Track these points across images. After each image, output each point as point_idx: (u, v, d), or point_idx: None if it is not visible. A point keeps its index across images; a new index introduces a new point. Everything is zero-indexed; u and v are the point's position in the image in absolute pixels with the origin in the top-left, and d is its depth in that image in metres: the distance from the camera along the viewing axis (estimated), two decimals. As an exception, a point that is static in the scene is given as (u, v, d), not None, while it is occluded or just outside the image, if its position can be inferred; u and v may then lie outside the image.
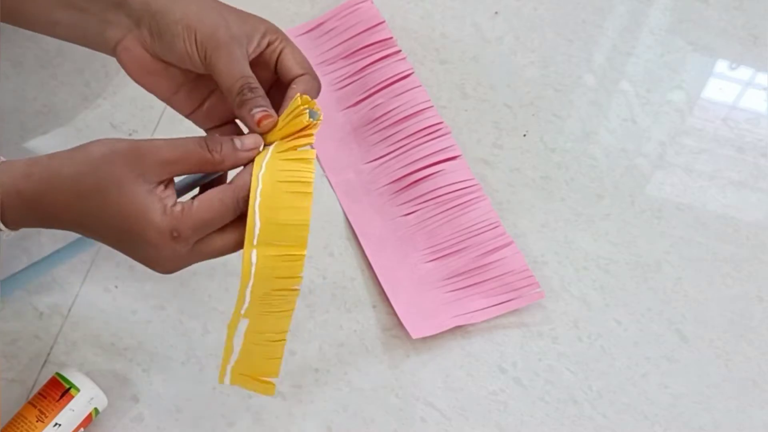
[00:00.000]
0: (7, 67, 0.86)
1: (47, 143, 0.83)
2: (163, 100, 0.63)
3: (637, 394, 0.77)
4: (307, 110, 0.56)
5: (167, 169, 0.54)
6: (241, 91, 0.57)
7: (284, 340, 0.60)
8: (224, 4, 0.61)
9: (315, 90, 0.61)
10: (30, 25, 0.63)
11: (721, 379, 0.78)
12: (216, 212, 0.54)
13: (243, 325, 0.58)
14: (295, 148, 0.56)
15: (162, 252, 0.55)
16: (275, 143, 0.57)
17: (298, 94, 0.57)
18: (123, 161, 0.53)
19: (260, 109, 0.57)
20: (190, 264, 0.57)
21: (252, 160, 0.56)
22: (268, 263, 0.55)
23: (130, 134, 0.84)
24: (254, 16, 0.61)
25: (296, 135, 0.57)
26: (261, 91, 0.58)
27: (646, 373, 0.78)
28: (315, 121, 0.56)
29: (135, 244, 0.55)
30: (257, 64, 0.61)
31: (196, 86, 0.63)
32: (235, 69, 0.58)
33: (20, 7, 0.61)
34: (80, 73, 0.87)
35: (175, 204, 0.54)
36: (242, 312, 0.57)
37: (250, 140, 0.56)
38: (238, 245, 0.56)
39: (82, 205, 0.54)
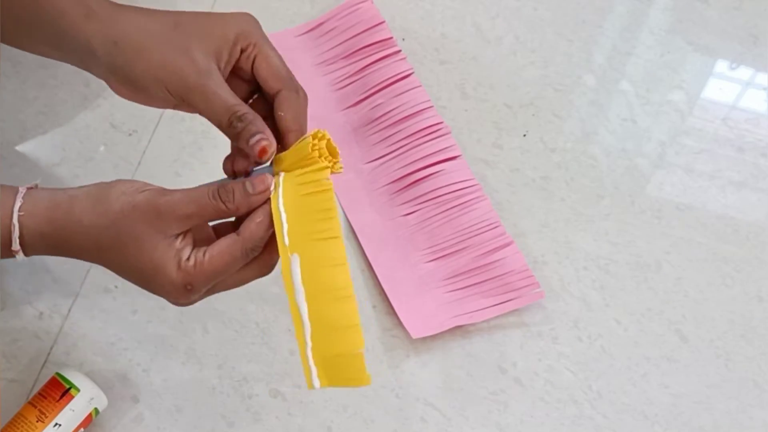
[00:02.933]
0: (7, 67, 0.86)
1: (47, 143, 0.83)
2: (169, 108, 0.63)
3: (637, 394, 0.77)
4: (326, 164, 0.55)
5: (184, 223, 0.55)
6: (230, 125, 0.57)
7: (351, 295, 0.55)
8: (186, 24, 0.59)
9: (301, 106, 0.60)
10: (29, 51, 0.64)
11: (721, 379, 0.78)
12: (226, 265, 0.56)
13: (302, 297, 0.55)
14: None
15: (178, 300, 0.58)
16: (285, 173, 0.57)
17: (309, 143, 0.55)
18: (142, 218, 0.55)
19: (256, 138, 0.56)
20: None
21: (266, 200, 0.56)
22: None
23: (130, 134, 0.84)
24: (221, 19, 0.59)
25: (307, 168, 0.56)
26: (250, 115, 0.57)
27: (646, 373, 0.78)
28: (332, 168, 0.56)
29: (152, 290, 0.58)
30: (234, 78, 0.60)
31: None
32: (216, 105, 0.57)
33: (15, 35, 0.62)
34: (80, 73, 0.85)
35: (189, 257, 0.55)
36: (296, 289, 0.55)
37: (260, 183, 0.56)
38: (250, 280, 0.58)
39: (103, 255, 0.57)
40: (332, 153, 0.56)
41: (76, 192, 0.57)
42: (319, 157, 0.55)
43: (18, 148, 0.83)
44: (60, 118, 0.85)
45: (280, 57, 0.60)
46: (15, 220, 0.56)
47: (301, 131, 0.59)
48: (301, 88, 0.60)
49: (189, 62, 0.57)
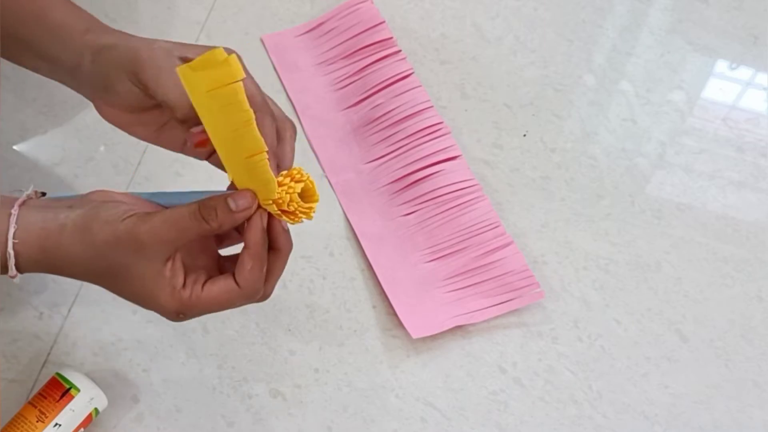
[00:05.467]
0: (7, 67, 0.86)
1: (47, 143, 0.83)
2: (150, 142, 0.63)
3: (637, 394, 0.77)
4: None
5: (168, 247, 0.55)
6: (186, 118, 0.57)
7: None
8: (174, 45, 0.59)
9: (277, 131, 0.59)
10: (22, 65, 0.64)
11: (721, 379, 0.78)
12: (221, 306, 0.57)
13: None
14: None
15: (170, 320, 0.58)
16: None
17: (284, 172, 0.55)
18: (125, 248, 0.55)
19: (198, 128, 0.56)
20: None
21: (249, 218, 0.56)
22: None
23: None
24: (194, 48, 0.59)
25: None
26: None
27: (646, 373, 0.78)
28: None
29: (149, 309, 0.58)
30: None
31: (172, 126, 0.62)
32: (169, 84, 0.56)
33: (8, 49, 0.63)
34: (80, 73, 0.87)
35: (183, 286, 0.56)
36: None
37: (242, 199, 0.55)
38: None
39: (97, 282, 0.58)
40: (306, 198, 0.55)
41: (65, 219, 0.56)
42: (281, 203, 0.55)
43: (18, 148, 0.83)
44: (60, 118, 0.85)
45: (254, 83, 0.59)
46: (10, 249, 0.56)
47: (284, 159, 0.59)
48: (289, 119, 0.60)
49: (145, 44, 0.57)
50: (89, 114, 0.84)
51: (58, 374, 0.69)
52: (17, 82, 0.86)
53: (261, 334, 0.77)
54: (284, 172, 0.55)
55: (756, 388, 0.78)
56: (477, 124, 0.89)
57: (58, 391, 0.68)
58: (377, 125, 0.86)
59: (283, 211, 0.55)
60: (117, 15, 0.89)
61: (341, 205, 0.83)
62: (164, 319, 0.76)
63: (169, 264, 0.55)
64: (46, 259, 0.57)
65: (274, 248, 0.57)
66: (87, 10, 0.63)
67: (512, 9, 0.95)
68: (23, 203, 0.58)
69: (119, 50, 0.58)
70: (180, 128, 0.61)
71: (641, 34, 0.96)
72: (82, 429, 0.69)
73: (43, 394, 0.69)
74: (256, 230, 0.55)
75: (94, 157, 0.83)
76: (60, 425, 0.68)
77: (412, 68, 0.88)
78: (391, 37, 0.89)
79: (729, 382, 0.78)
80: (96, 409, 0.70)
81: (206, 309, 0.57)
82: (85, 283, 0.76)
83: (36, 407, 0.68)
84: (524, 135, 0.89)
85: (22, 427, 0.67)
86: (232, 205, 0.55)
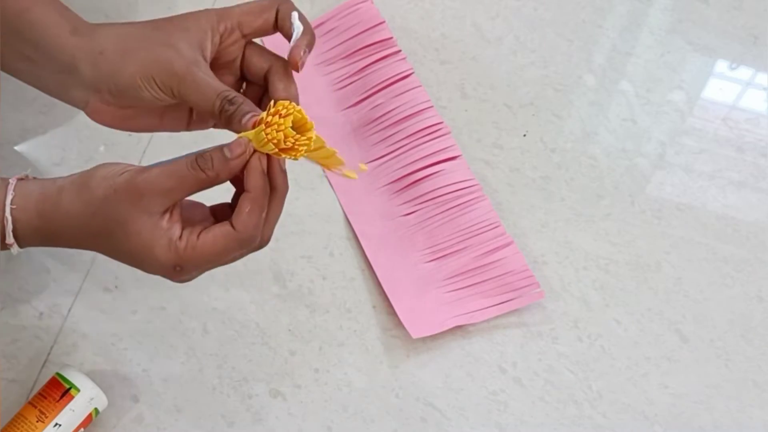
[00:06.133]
0: (7, 67, 0.86)
1: (47, 143, 0.83)
2: (152, 131, 0.64)
3: (637, 394, 0.77)
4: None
5: (167, 198, 0.55)
6: (221, 110, 0.57)
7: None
8: (164, 25, 0.60)
9: (286, 75, 0.60)
10: (2, 68, 0.63)
11: (721, 379, 0.78)
12: (218, 254, 0.56)
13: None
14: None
15: (169, 278, 0.57)
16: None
17: (269, 105, 0.55)
18: (124, 200, 0.54)
19: (248, 116, 0.56)
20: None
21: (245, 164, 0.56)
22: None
23: (129, 134, 0.84)
24: (192, 16, 0.60)
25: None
26: (240, 98, 0.57)
27: (646, 373, 0.78)
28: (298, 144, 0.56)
29: (146, 271, 0.58)
30: (220, 68, 0.61)
31: (175, 105, 0.62)
32: (206, 91, 0.57)
33: None
34: (80, 73, 0.87)
35: (180, 237, 0.55)
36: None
37: (237, 147, 0.55)
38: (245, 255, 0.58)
39: (94, 242, 0.57)
40: (300, 130, 0.55)
41: (63, 182, 0.57)
42: (281, 144, 0.55)
43: (18, 148, 0.83)
44: (60, 118, 0.85)
45: (253, 2, 0.61)
46: (8, 214, 0.56)
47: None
48: (285, 60, 0.61)
49: (176, 54, 0.58)
50: (89, 114, 0.85)
51: (58, 374, 0.69)
52: (17, 82, 0.85)
53: (261, 334, 0.77)
54: (271, 110, 0.55)
55: (756, 388, 0.78)
56: (477, 124, 0.89)
57: (58, 391, 0.68)
58: (377, 125, 0.86)
59: (282, 149, 0.55)
60: (116, 15, 0.89)
61: (341, 205, 0.83)
62: (164, 319, 0.76)
63: (167, 216, 0.55)
64: (44, 225, 0.56)
65: (272, 188, 0.57)
66: (84, 10, 0.62)
67: (512, 9, 0.95)
68: (21, 179, 0.58)
69: (141, 60, 0.58)
70: (183, 107, 0.62)
71: (641, 34, 0.96)
72: (82, 429, 0.69)
73: (43, 394, 0.69)
74: (255, 173, 0.55)
75: (94, 157, 0.83)
76: (60, 425, 0.68)
77: (412, 68, 0.88)
78: (391, 37, 0.89)
79: (729, 382, 0.78)
80: (96, 409, 0.70)
81: (203, 259, 0.56)
82: (85, 283, 0.77)
83: (36, 407, 0.68)
84: (524, 135, 0.89)
85: (22, 427, 0.67)
86: (227, 152, 0.55)
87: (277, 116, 0.55)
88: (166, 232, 0.55)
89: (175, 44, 0.58)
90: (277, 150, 0.55)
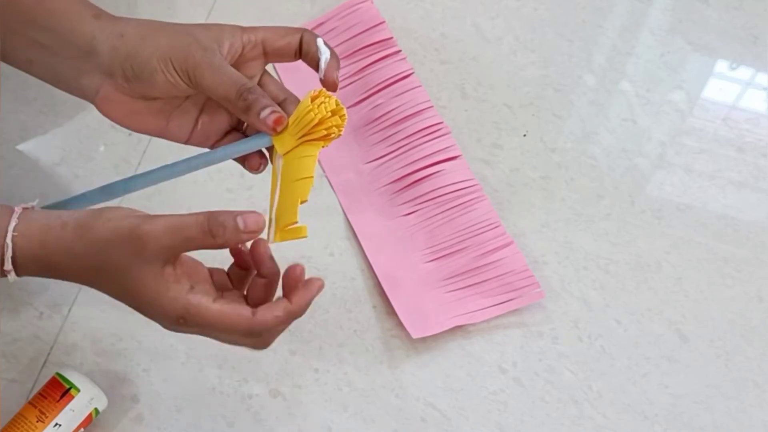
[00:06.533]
0: (7, 67, 0.86)
1: (47, 143, 0.83)
2: (157, 135, 0.63)
3: (637, 394, 0.77)
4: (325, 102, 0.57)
5: (169, 253, 0.54)
6: (240, 96, 0.57)
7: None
8: (189, 25, 0.61)
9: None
10: (8, 60, 0.63)
11: (721, 379, 0.78)
12: (226, 328, 0.56)
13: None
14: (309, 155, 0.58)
15: (167, 326, 0.57)
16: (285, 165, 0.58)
17: (309, 92, 0.57)
18: (125, 248, 0.54)
19: (269, 110, 0.57)
20: None
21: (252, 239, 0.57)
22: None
23: (129, 134, 0.84)
24: (218, 24, 0.61)
25: (311, 133, 0.57)
26: (259, 89, 0.58)
27: (646, 373, 0.78)
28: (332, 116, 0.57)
29: (145, 315, 0.57)
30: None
31: (184, 110, 0.62)
32: (224, 77, 0.57)
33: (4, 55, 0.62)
34: (80, 73, 0.87)
35: (191, 291, 0.55)
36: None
37: (252, 221, 0.55)
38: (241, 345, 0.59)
39: (94, 281, 0.57)
40: (337, 112, 0.57)
41: (68, 218, 0.56)
42: (322, 124, 0.57)
43: (18, 148, 0.83)
44: (60, 118, 0.85)
45: (280, 26, 0.62)
46: (8, 240, 0.55)
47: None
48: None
49: (194, 41, 0.58)
50: (89, 114, 0.85)
51: (58, 374, 0.69)
52: (17, 82, 0.85)
53: (261, 334, 0.77)
54: (312, 94, 0.57)
55: (756, 388, 0.78)
56: (477, 124, 0.88)
57: (58, 391, 0.68)
58: (377, 125, 0.86)
59: (315, 137, 0.57)
60: (116, 15, 0.89)
61: (341, 205, 0.83)
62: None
63: (169, 268, 0.55)
64: (45, 256, 0.56)
65: (296, 307, 0.58)
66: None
67: (512, 9, 0.95)
68: (27, 208, 0.57)
69: (160, 44, 0.58)
70: (191, 114, 0.62)
71: (641, 34, 0.96)
72: (82, 429, 0.69)
73: (43, 394, 0.69)
74: (307, 296, 0.59)
75: (94, 157, 0.83)
76: (60, 425, 0.68)
77: (412, 68, 0.88)
78: (391, 37, 0.89)
79: (729, 382, 0.78)
80: (96, 409, 0.70)
81: (209, 325, 0.55)
82: (85, 283, 0.77)
83: (36, 407, 0.68)
84: (524, 135, 0.89)
85: (22, 427, 0.67)
86: (241, 225, 0.54)
87: (318, 99, 0.57)
88: (172, 285, 0.55)
89: (195, 35, 0.59)
90: (312, 138, 0.57)
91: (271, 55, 0.61)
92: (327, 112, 0.56)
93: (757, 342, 0.80)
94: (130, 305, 0.57)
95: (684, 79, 0.93)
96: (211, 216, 0.54)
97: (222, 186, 0.82)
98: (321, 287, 0.58)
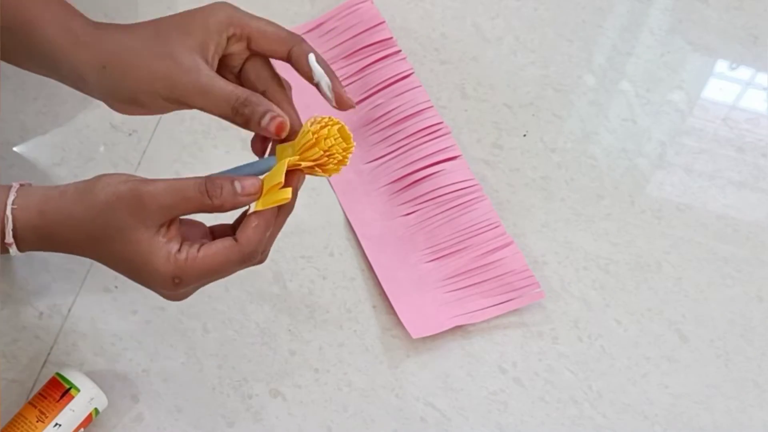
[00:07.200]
0: (7, 67, 0.86)
1: (47, 143, 0.83)
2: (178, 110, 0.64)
3: (637, 394, 0.77)
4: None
5: (166, 213, 0.55)
6: (236, 113, 0.57)
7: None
8: (166, 28, 0.59)
9: (285, 99, 0.60)
10: (21, 66, 0.64)
11: (721, 379, 0.78)
12: (220, 266, 0.56)
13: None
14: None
15: (166, 292, 0.57)
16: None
17: (310, 120, 0.56)
18: (124, 208, 0.54)
19: (267, 118, 0.56)
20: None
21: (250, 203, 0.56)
22: None
23: (129, 134, 0.84)
24: (199, 13, 0.59)
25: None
26: (254, 97, 0.57)
27: (646, 373, 0.78)
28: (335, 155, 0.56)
29: (142, 283, 0.58)
30: (224, 72, 0.60)
31: None
32: (214, 98, 0.57)
33: (13, 60, 0.63)
34: (80, 73, 0.87)
35: (179, 250, 0.55)
36: None
37: (250, 186, 0.55)
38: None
39: (92, 247, 0.57)
40: (345, 139, 0.56)
41: (66, 186, 0.57)
42: (328, 152, 0.55)
43: (18, 148, 0.83)
44: (60, 118, 0.85)
45: (272, 23, 0.61)
46: (8, 213, 0.56)
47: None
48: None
49: (174, 65, 0.57)
50: (89, 114, 0.85)
51: (58, 374, 0.69)
52: (17, 82, 0.86)
53: (261, 334, 0.77)
54: (315, 125, 0.55)
55: (756, 388, 0.78)
56: (477, 124, 0.88)
57: (58, 391, 0.68)
58: (377, 125, 0.86)
59: (320, 165, 0.56)
60: (117, 15, 0.89)
61: (341, 206, 0.83)
62: (164, 319, 0.76)
63: (163, 230, 0.55)
64: (44, 225, 0.56)
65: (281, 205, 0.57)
66: (84, 9, 0.62)
67: (512, 9, 0.95)
68: (24, 185, 0.58)
69: (141, 77, 0.57)
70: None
71: (641, 34, 0.96)
72: (82, 429, 0.69)
73: (43, 394, 0.69)
74: None
75: (94, 157, 0.83)
76: (60, 425, 0.68)
77: (412, 68, 0.88)
78: (391, 37, 0.89)
79: (729, 382, 0.78)
80: (96, 409, 0.70)
81: (203, 271, 0.55)
82: (85, 283, 0.77)
83: (36, 407, 0.68)
84: (524, 135, 0.89)
85: (22, 427, 0.67)
86: (238, 188, 0.55)
87: (324, 130, 0.55)
88: (164, 245, 0.55)
89: (173, 53, 0.57)
90: (314, 167, 0.56)
91: (255, 53, 0.61)
92: (333, 145, 0.55)
93: (757, 342, 0.80)
94: (127, 273, 0.57)
95: (684, 79, 0.93)
96: (210, 179, 0.55)
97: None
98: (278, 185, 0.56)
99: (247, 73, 0.61)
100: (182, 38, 0.58)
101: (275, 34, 0.60)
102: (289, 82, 0.62)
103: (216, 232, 0.59)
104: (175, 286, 0.56)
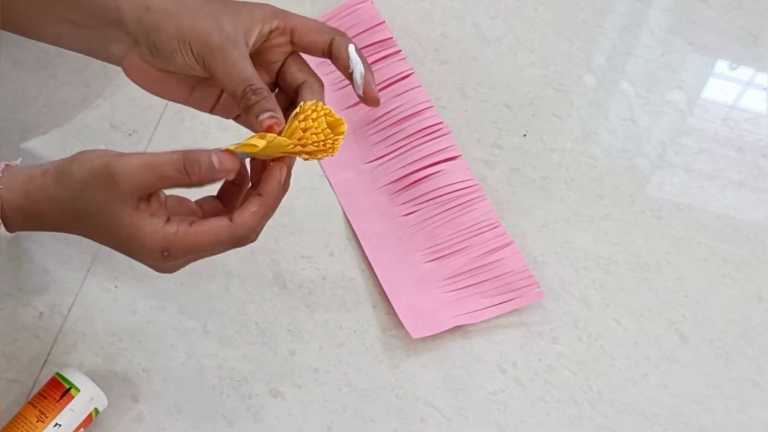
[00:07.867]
0: (7, 67, 0.86)
1: (47, 143, 0.83)
2: (180, 103, 0.64)
3: (637, 394, 0.77)
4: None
5: (142, 190, 0.54)
6: (244, 95, 0.57)
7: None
8: (219, 4, 0.60)
9: (319, 93, 0.61)
10: (35, 36, 0.64)
11: (721, 379, 0.78)
12: (210, 244, 0.56)
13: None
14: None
15: (156, 264, 0.57)
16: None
17: (301, 103, 0.56)
18: (99, 186, 0.54)
19: (266, 115, 0.56)
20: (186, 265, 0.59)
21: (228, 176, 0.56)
22: None
23: (129, 134, 0.84)
24: (249, 5, 0.60)
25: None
26: (265, 91, 0.57)
27: (646, 373, 0.78)
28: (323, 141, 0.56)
29: (132, 255, 0.57)
30: (258, 68, 0.60)
31: (208, 84, 0.63)
32: (234, 72, 0.57)
33: (23, 18, 0.62)
34: (80, 73, 0.87)
35: (168, 223, 0.55)
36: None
37: (228, 161, 0.55)
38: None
39: (79, 225, 0.57)
40: (333, 128, 0.56)
41: (48, 165, 0.57)
42: (317, 142, 0.56)
43: (18, 148, 0.83)
44: (60, 118, 0.85)
45: (313, 20, 0.62)
46: None
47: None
48: (320, 81, 0.62)
49: (217, 27, 0.58)
50: (89, 114, 0.85)
51: (58, 374, 0.69)
52: (17, 82, 0.86)
53: (261, 334, 0.77)
54: (303, 114, 0.55)
55: (756, 388, 0.78)
56: (477, 124, 0.89)
57: (58, 391, 0.68)
58: (377, 125, 0.86)
59: (311, 152, 0.56)
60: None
61: (341, 205, 0.83)
62: (164, 319, 0.76)
63: (143, 204, 0.55)
64: (30, 205, 0.56)
65: None
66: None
67: (512, 9, 0.95)
68: (9, 165, 0.58)
69: (183, 25, 0.58)
70: (215, 88, 0.62)
71: (641, 34, 0.96)
72: (82, 429, 0.69)
73: (43, 394, 0.69)
74: (273, 182, 0.56)
75: (94, 157, 0.83)
76: (60, 425, 0.68)
77: (412, 68, 0.88)
78: (391, 37, 0.89)
79: (729, 382, 0.78)
80: (96, 409, 0.70)
81: (194, 246, 0.55)
82: (85, 283, 0.77)
83: (36, 407, 0.68)
84: (524, 135, 0.89)
85: (22, 427, 0.67)
86: (216, 163, 0.54)
87: (310, 120, 0.55)
88: (149, 219, 0.55)
89: (220, 20, 0.58)
90: (305, 153, 0.56)
91: (298, 46, 0.62)
92: (319, 136, 0.56)
93: (757, 342, 0.80)
94: (116, 248, 0.57)
95: (684, 79, 0.93)
96: (186, 154, 0.54)
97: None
98: (283, 168, 0.57)
99: (289, 66, 0.62)
100: (231, 15, 0.59)
101: (317, 24, 0.61)
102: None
103: (204, 206, 0.59)
104: (164, 258, 0.56)
